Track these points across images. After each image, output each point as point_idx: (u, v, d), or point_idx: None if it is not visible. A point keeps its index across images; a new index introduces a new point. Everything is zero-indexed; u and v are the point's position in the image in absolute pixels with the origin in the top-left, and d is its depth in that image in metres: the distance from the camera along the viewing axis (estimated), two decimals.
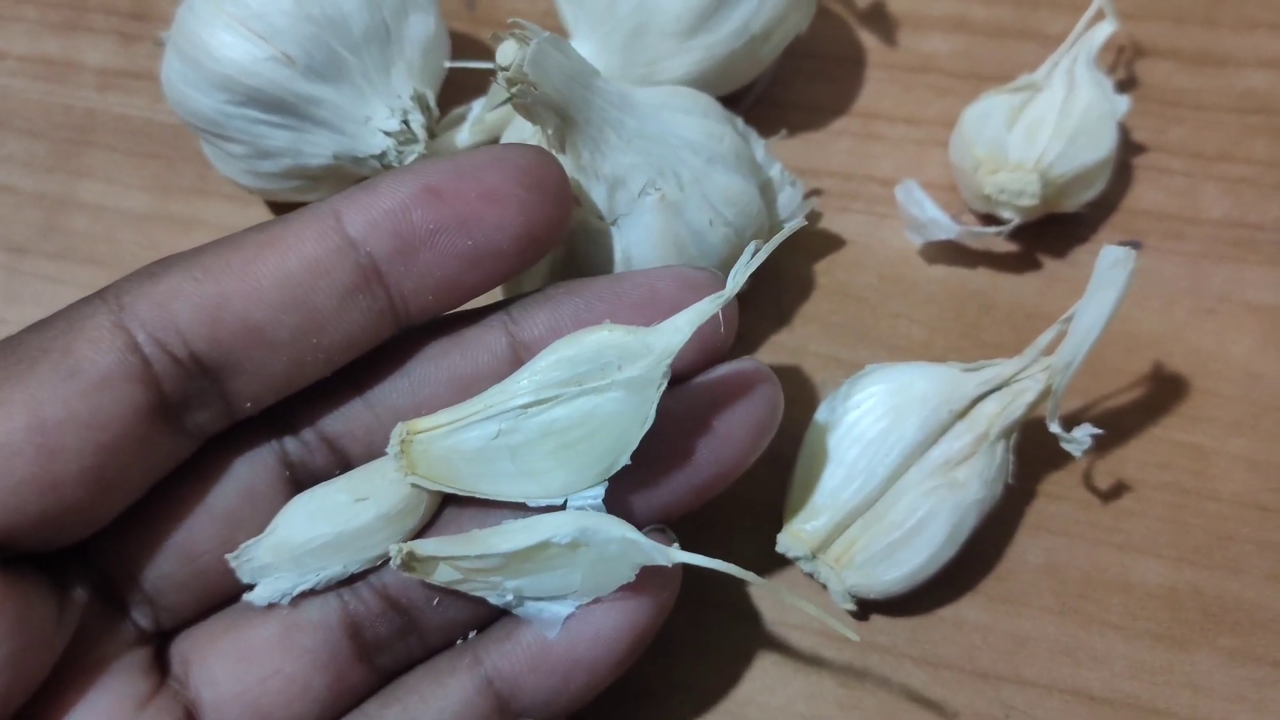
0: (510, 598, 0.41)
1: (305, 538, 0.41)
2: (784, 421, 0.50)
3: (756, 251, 0.39)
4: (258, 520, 0.41)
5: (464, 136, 0.56)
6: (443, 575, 0.40)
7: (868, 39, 0.64)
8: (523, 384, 0.40)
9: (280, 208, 0.59)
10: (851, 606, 0.48)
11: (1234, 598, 0.49)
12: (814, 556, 0.48)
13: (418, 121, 0.52)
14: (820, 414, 0.49)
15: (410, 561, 0.39)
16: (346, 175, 0.54)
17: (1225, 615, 0.49)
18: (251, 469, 0.41)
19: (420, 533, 0.42)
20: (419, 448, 0.40)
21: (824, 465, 0.48)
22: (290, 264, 0.38)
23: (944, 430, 0.48)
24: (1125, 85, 0.61)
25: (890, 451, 0.47)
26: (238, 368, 0.38)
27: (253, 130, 0.52)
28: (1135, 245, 0.55)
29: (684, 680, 0.48)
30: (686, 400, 0.41)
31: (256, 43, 0.50)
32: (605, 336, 0.40)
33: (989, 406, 0.48)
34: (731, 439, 0.42)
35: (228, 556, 0.40)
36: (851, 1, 0.64)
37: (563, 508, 0.40)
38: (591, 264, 0.48)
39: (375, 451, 0.42)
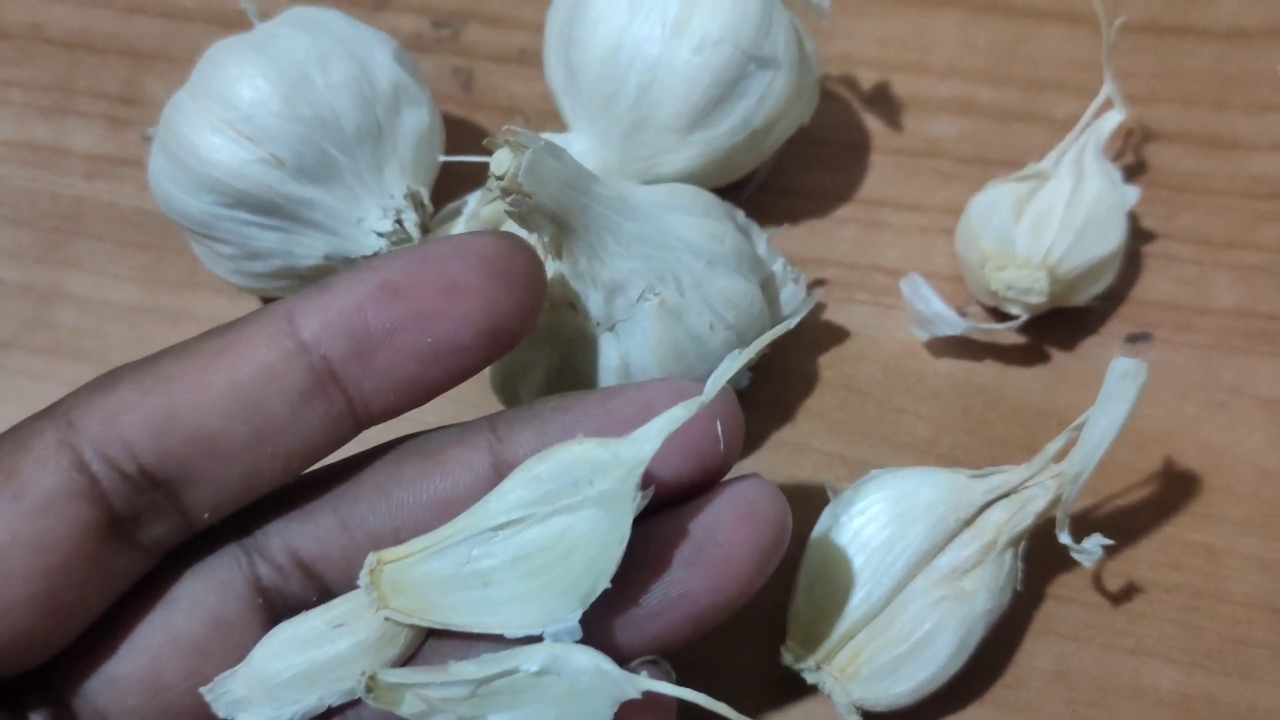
0: None
1: (279, 668, 0.39)
2: None
3: (740, 356, 0.38)
4: (228, 651, 0.39)
5: (459, 232, 0.55)
6: (410, 706, 0.38)
7: (872, 123, 0.63)
8: (493, 506, 0.38)
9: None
10: (857, 718, 0.47)
11: (1248, 705, 0.48)
12: (819, 667, 0.47)
13: (411, 220, 0.51)
14: (824, 520, 0.48)
15: (374, 687, 0.37)
16: None
17: None
18: (221, 597, 0.40)
19: (402, 665, 0.40)
20: (390, 578, 0.39)
21: (829, 573, 0.47)
22: (241, 372, 0.37)
23: (951, 538, 0.47)
24: (1133, 170, 0.60)
25: (896, 560, 0.46)
26: (191, 479, 0.37)
27: (242, 232, 0.51)
28: (1145, 337, 0.54)
29: None
30: (681, 523, 0.39)
31: (245, 145, 0.49)
32: (577, 451, 0.38)
33: (997, 514, 0.47)
34: (731, 566, 0.39)
35: (202, 690, 0.39)
36: (856, 84, 0.64)
37: (540, 639, 0.38)
38: (588, 372, 0.47)
39: (353, 577, 0.40)
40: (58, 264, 0.61)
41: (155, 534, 0.38)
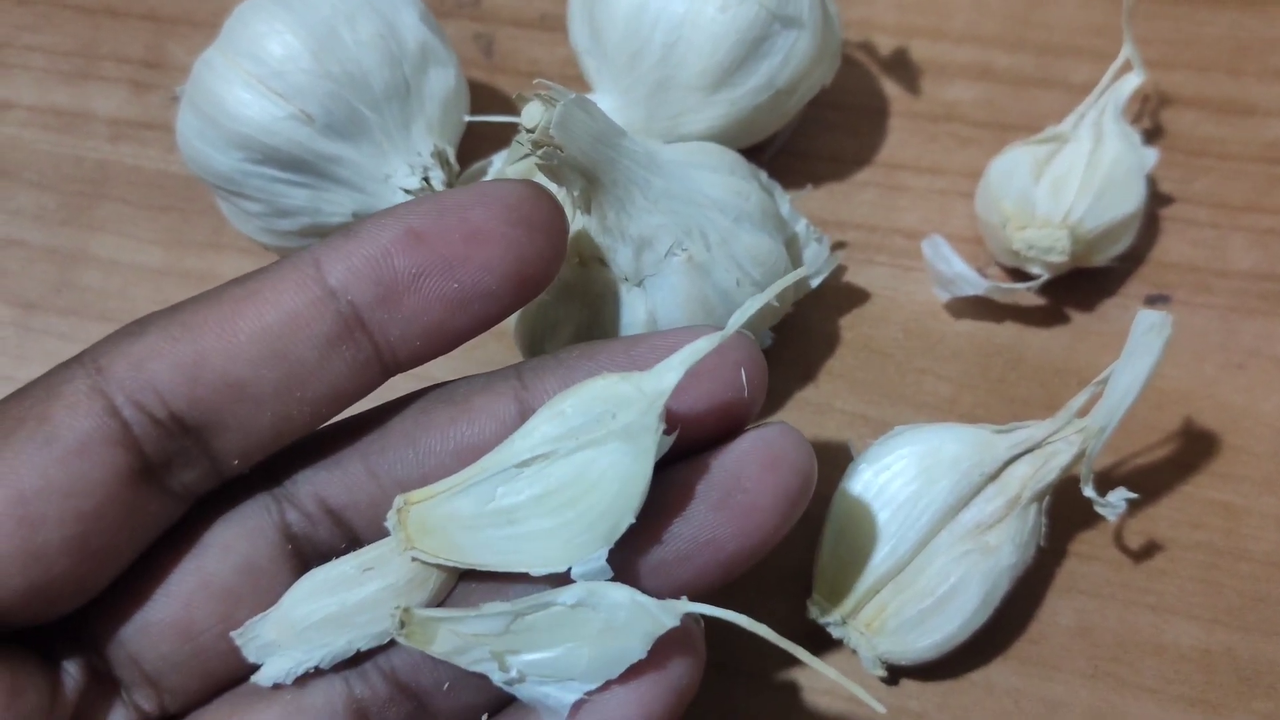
0: (514, 673, 0.38)
1: (308, 611, 0.39)
2: None
3: (759, 298, 0.37)
4: (259, 596, 0.40)
5: None
6: (443, 643, 0.38)
7: (891, 88, 0.63)
8: (518, 444, 0.38)
9: None
10: (882, 673, 0.47)
11: (1268, 660, 0.49)
12: (844, 622, 0.47)
13: (438, 178, 0.52)
14: (849, 475, 0.49)
15: (407, 622, 0.37)
16: None
17: (1260, 679, 0.48)
18: (251, 543, 0.40)
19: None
20: (416, 518, 0.39)
21: (854, 528, 0.48)
22: (268, 317, 0.37)
23: (975, 493, 0.47)
24: (1151, 135, 0.61)
25: (921, 515, 0.47)
26: (221, 425, 0.37)
27: (270, 189, 0.51)
28: (1164, 299, 0.55)
29: None
30: (708, 470, 0.39)
31: (275, 101, 0.50)
32: (600, 385, 0.38)
33: (1021, 469, 0.47)
34: (758, 511, 0.39)
35: (233, 634, 0.39)
36: (875, 50, 0.64)
37: (567, 577, 0.38)
38: (616, 328, 0.48)
39: (381, 525, 0.40)
40: (82, 227, 0.61)
41: (186, 480, 0.38)
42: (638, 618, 0.37)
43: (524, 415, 0.40)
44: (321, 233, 0.53)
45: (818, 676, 0.49)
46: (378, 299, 0.38)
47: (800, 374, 0.55)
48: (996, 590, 0.46)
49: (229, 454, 0.38)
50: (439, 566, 0.39)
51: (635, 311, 0.47)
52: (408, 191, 0.51)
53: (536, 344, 0.50)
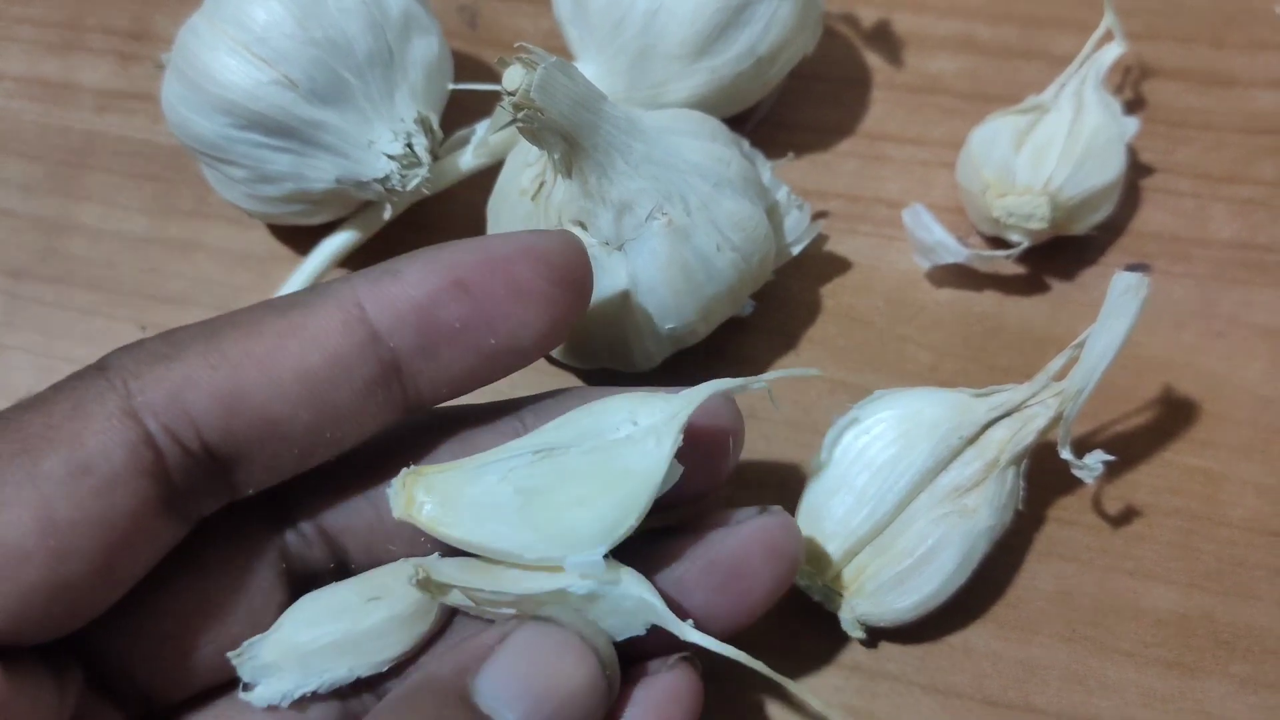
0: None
1: (311, 636, 0.39)
2: (791, 446, 0.50)
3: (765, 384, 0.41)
4: (253, 615, 0.40)
5: (468, 159, 0.56)
6: (457, 600, 0.39)
7: (873, 60, 0.64)
8: (540, 435, 0.39)
9: (281, 231, 0.59)
10: (861, 634, 0.48)
11: (1246, 624, 0.49)
12: (824, 585, 0.47)
13: (421, 145, 0.52)
14: (828, 440, 0.49)
15: (427, 583, 0.38)
16: (349, 199, 0.54)
17: (1237, 642, 0.49)
18: (248, 561, 0.40)
19: (429, 643, 0.41)
20: (424, 482, 0.39)
21: (833, 492, 0.48)
22: (313, 359, 0.37)
23: (954, 456, 0.47)
24: (1132, 106, 0.61)
25: (900, 478, 0.47)
26: (249, 459, 0.37)
27: (255, 154, 0.51)
28: (1144, 268, 0.55)
29: None
30: (710, 550, 0.40)
31: (260, 66, 0.50)
32: (624, 397, 0.40)
33: (999, 433, 0.47)
34: (754, 596, 0.41)
35: (230, 655, 0.39)
36: (857, 22, 0.64)
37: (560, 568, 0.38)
38: (597, 290, 0.48)
39: (374, 548, 0.41)
40: (69, 196, 0.62)
41: (203, 508, 0.38)
42: (643, 610, 0.38)
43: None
44: (305, 199, 0.53)
45: (796, 638, 0.49)
46: (419, 348, 0.38)
47: (782, 342, 0.56)
48: (974, 552, 0.46)
49: (249, 485, 0.38)
50: (439, 602, 0.40)
51: (616, 275, 0.48)
52: (391, 157, 0.51)
53: None
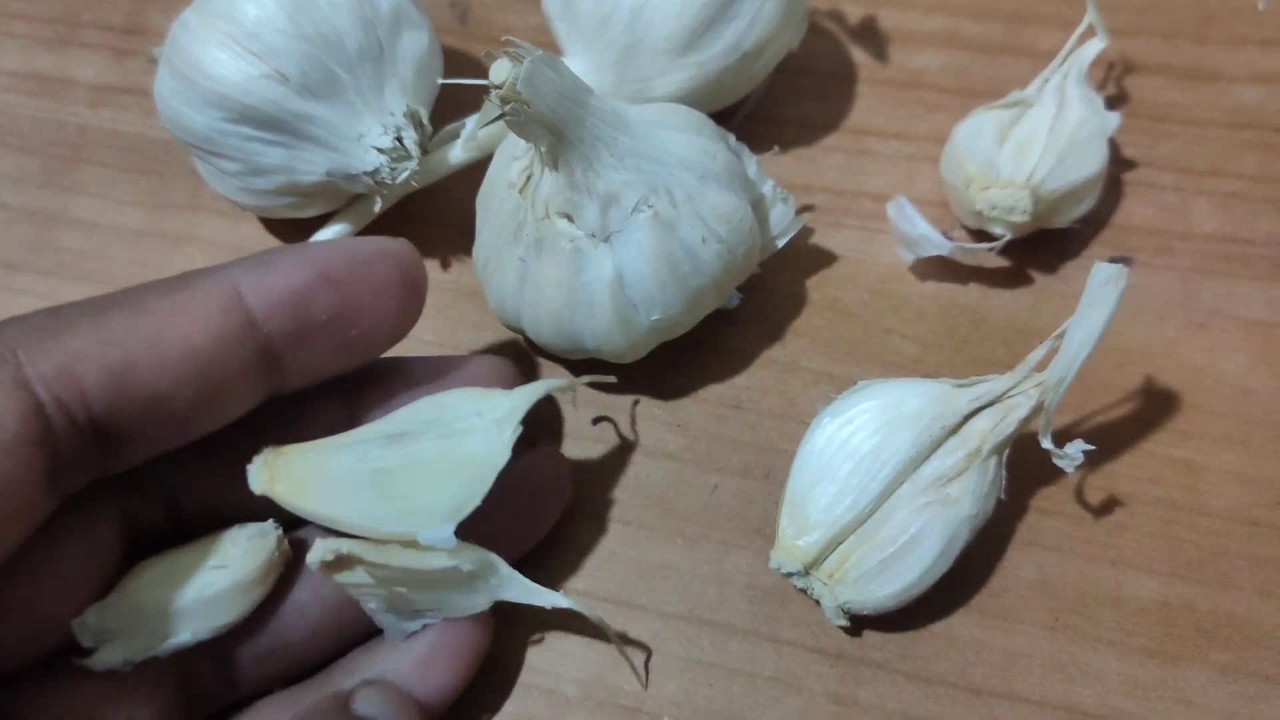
0: (374, 605, 0.43)
1: (153, 601, 0.40)
2: (776, 436, 0.51)
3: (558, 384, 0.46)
4: (92, 578, 0.40)
5: (457, 153, 0.56)
6: (355, 578, 0.41)
7: (859, 55, 0.64)
8: (394, 420, 0.43)
9: (274, 224, 0.60)
10: (844, 622, 0.48)
11: (1226, 613, 0.49)
12: (807, 572, 0.48)
13: (411, 138, 0.52)
14: (812, 429, 0.49)
15: (336, 563, 0.41)
16: (339, 192, 0.55)
17: (1218, 631, 0.49)
18: (94, 525, 0.40)
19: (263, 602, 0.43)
20: (284, 464, 0.41)
21: (817, 481, 0.48)
22: (198, 338, 0.38)
23: (936, 446, 0.47)
24: (1115, 101, 0.61)
25: (883, 467, 0.47)
26: (130, 434, 0.38)
27: (246, 148, 0.52)
28: (1126, 260, 0.55)
29: (675, 697, 0.48)
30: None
31: (251, 60, 0.50)
32: (467, 393, 0.44)
33: (981, 423, 0.48)
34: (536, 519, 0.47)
35: (74, 623, 0.39)
36: (843, 18, 0.65)
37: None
38: (585, 283, 0.48)
39: (209, 508, 0.43)
40: (62, 189, 0.62)
41: (75, 483, 0.38)
42: (506, 587, 0.43)
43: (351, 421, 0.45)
44: (296, 192, 0.54)
45: (780, 626, 0.49)
46: (290, 334, 0.40)
47: (767, 333, 0.56)
48: (957, 540, 0.47)
49: (123, 460, 0.39)
50: (272, 565, 0.42)
51: (602, 267, 0.48)
52: (381, 151, 0.52)
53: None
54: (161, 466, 0.41)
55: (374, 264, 0.41)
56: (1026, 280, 0.57)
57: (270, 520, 0.43)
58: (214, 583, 0.41)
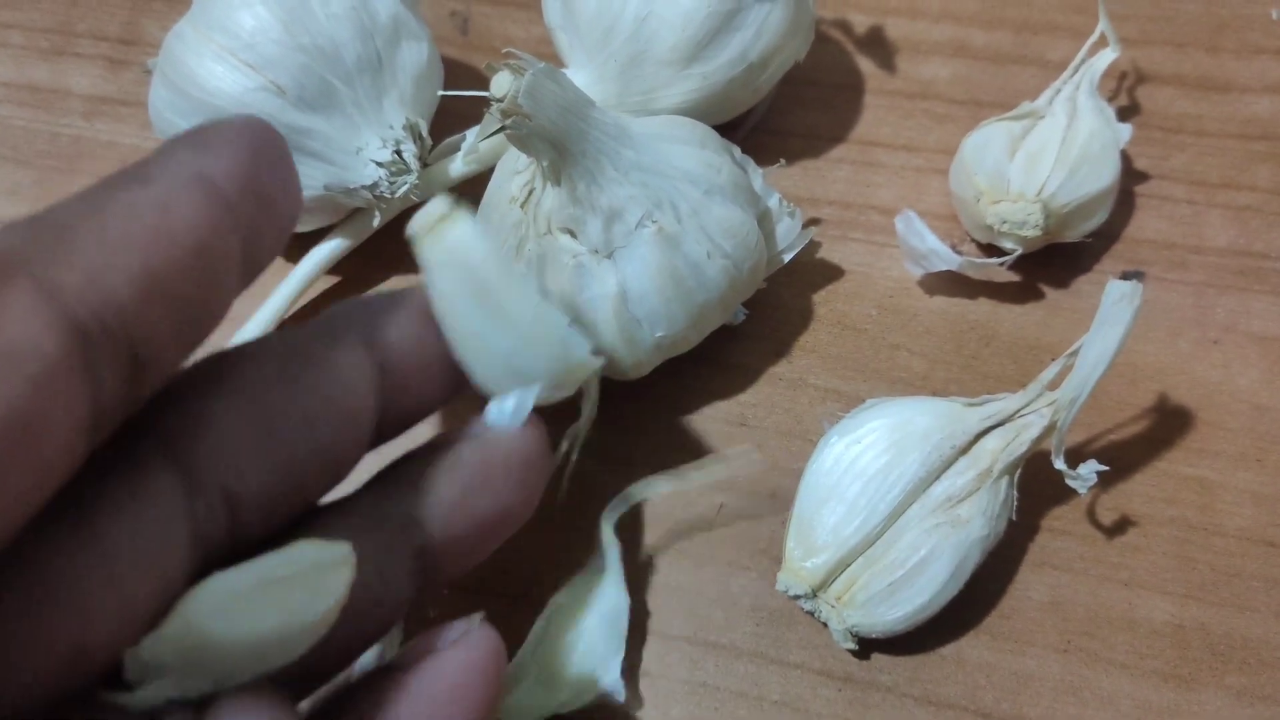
0: None
1: (221, 635, 0.32)
2: (783, 455, 0.50)
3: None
4: (155, 597, 0.32)
5: (457, 166, 0.56)
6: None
7: (866, 65, 0.63)
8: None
9: None
10: (853, 645, 0.47)
11: (1241, 635, 0.48)
12: (814, 594, 0.47)
13: (410, 152, 0.52)
14: (820, 449, 0.48)
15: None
16: (338, 206, 0.54)
17: (1233, 654, 0.48)
18: (163, 534, 0.32)
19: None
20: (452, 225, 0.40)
21: (825, 501, 0.47)
22: (203, 232, 0.31)
23: (946, 466, 0.47)
24: (1127, 112, 0.61)
25: (892, 488, 0.47)
26: (156, 354, 0.30)
27: None
28: (1139, 275, 0.55)
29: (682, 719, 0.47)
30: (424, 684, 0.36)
31: (246, 72, 0.49)
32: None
33: (992, 442, 0.47)
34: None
35: (127, 651, 0.31)
36: (850, 28, 0.64)
37: None
38: (587, 299, 0.48)
39: (272, 511, 0.35)
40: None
41: (114, 423, 0.30)
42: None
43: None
44: None
45: (788, 649, 0.48)
46: (253, 216, 0.33)
47: (773, 349, 0.55)
48: (967, 563, 0.46)
49: (146, 389, 0.31)
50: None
51: (605, 283, 0.47)
52: (379, 164, 0.51)
53: None
54: (221, 459, 0.34)
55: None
56: (1037, 295, 0.56)
57: (346, 543, 0.34)
58: (287, 613, 0.32)
